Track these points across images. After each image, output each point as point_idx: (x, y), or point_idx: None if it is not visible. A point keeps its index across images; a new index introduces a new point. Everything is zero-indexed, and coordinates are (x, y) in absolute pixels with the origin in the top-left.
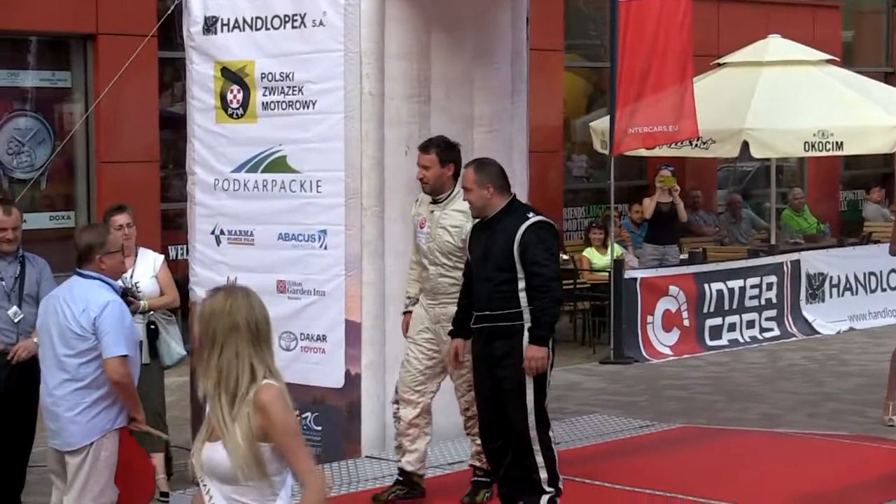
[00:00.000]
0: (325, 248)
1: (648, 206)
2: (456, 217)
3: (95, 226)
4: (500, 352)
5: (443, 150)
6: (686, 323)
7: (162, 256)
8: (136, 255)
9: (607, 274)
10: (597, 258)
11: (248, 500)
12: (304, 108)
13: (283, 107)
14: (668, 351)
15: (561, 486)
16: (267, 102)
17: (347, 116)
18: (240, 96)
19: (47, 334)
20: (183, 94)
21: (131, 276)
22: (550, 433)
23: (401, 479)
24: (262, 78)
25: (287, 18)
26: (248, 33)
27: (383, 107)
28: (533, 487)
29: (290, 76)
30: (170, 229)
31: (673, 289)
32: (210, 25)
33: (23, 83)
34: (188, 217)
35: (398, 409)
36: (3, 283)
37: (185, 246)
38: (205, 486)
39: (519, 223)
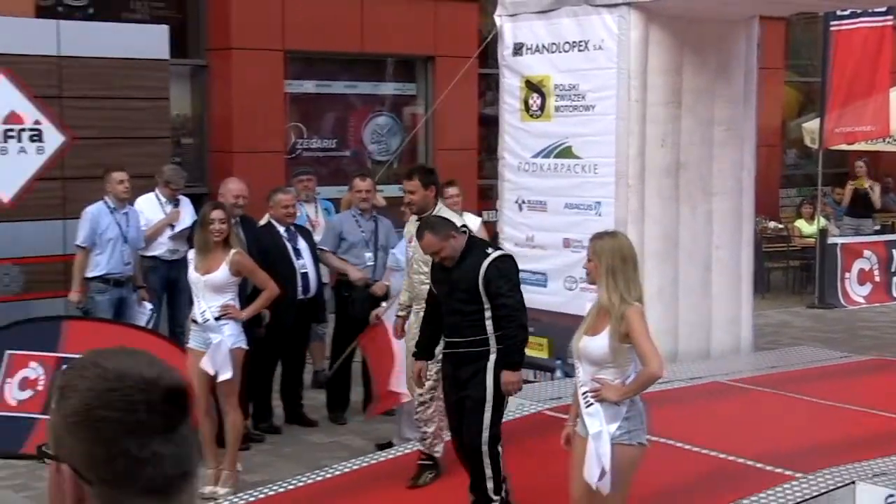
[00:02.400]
0: (599, 215)
1: (846, 194)
2: None
3: None
4: (467, 374)
5: (424, 175)
6: (877, 279)
7: (479, 219)
8: (462, 218)
9: (814, 239)
10: (806, 227)
11: (605, 376)
12: (585, 110)
13: (571, 110)
14: (862, 300)
15: (504, 494)
16: (559, 106)
17: (618, 117)
18: (539, 101)
19: None
20: (495, 100)
21: None
22: (499, 448)
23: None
24: (555, 88)
25: (575, 44)
26: (546, 55)
27: (645, 110)
28: (482, 495)
29: (576, 87)
30: (484, 199)
31: (867, 252)
32: (518, 49)
33: (382, 92)
34: (498, 190)
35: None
36: (364, 234)
37: (495, 211)
38: (577, 364)
39: (481, 259)
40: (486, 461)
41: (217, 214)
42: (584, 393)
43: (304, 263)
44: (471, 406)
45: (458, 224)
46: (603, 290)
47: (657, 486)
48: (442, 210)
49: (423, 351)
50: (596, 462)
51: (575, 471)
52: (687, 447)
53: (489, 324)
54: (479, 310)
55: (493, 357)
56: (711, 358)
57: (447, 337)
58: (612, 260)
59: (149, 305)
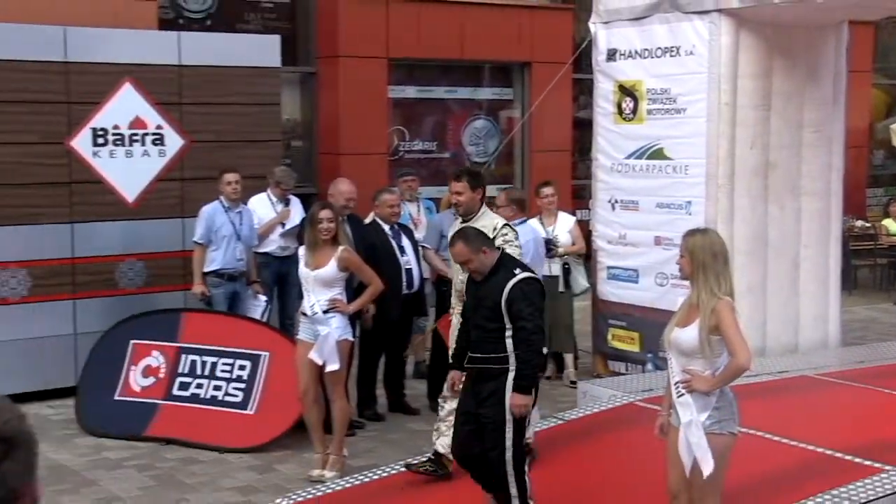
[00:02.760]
0: (690, 214)
1: None
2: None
3: (514, 188)
4: (486, 392)
5: (472, 178)
6: None
7: (574, 217)
8: (557, 216)
9: None
10: (893, 226)
11: (695, 368)
12: (677, 113)
13: (662, 113)
14: None
15: None
16: (651, 109)
17: (708, 120)
18: (631, 105)
19: (540, 260)
20: (588, 103)
21: (553, 230)
22: (525, 467)
23: (433, 457)
24: (647, 92)
25: (666, 49)
26: (639, 60)
27: (735, 114)
28: None
29: (668, 91)
30: (577, 198)
31: None
32: (611, 55)
33: (480, 97)
34: (592, 189)
35: (442, 404)
36: None
37: (587, 210)
38: (669, 356)
39: (507, 279)
40: (511, 481)
41: (325, 214)
42: (675, 383)
43: (409, 260)
44: (492, 428)
45: (495, 226)
46: (694, 284)
47: (747, 476)
48: (486, 213)
49: (458, 362)
50: (687, 450)
51: (670, 460)
52: (776, 439)
53: (510, 342)
54: (501, 328)
55: (511, 375)
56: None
57: (469, 351)
58: (704, 255)
59: (263, 298)
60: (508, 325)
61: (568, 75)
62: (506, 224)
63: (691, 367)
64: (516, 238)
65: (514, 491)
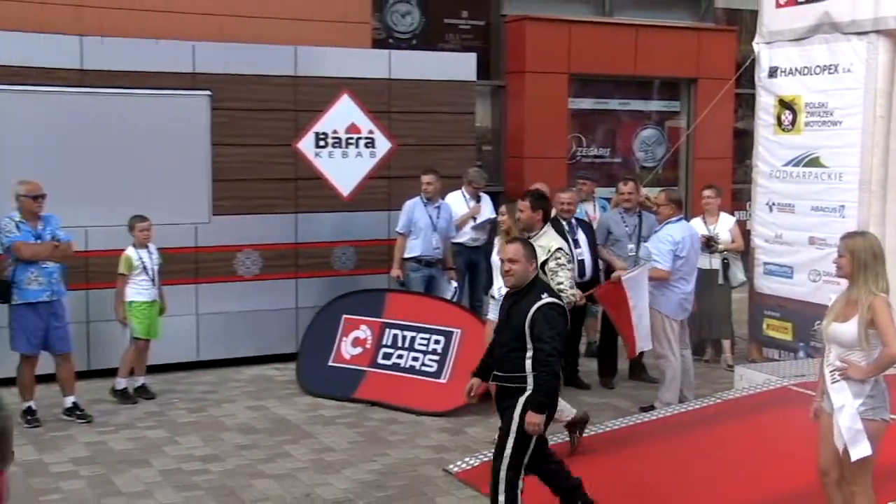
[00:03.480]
0: (843, 217)
1: None
2: (538, 250)
3: (674, 189)
4: (504, 406)
5: (535, 199)
6: None
7: (734, 218)
8: (718, 216)
9: None
10: None
11: (853, 358)
12: (833, 126)
13: (819, 125)
14: None
15: None
16: (808, 122)
17: (863, 132)
18: (790, 117)
19: (695, 254)
20: (746, 115)
21: (714, 229)
22: (519, 481)
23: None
24: (806, 106)
25: (825, 67)
26: (798, 77)
27: (889, 126)
28: None
29: (825, 105)
30: (736, 201)
31: None
32: (772, 72)
33: (649, 108)
34: (751, 193)
35: None
36: (627, 229)
37: (745, 211)
38: (828, 348)
39: (533, 302)
40: (501, 487)
41: (501, 209)
42: (830, 371)
43: (581, 252)
44: (500, 435)
45: (550, 248)
46: (853, 282)
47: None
48: (547, 233)
49: (479, 371)
50: (839, 434)
51: (822, 441)
52: None
53: (528, 363)
54: (522, 348)
55: (528, 394)
56: None
57: (494, 367)
58: (865, 256)
59: (454, 284)
60: (529, 347)
61: (730, 90)
62: (559, 248)
63: (848, 356)
64: (569, 262)
65: (501, 498)
